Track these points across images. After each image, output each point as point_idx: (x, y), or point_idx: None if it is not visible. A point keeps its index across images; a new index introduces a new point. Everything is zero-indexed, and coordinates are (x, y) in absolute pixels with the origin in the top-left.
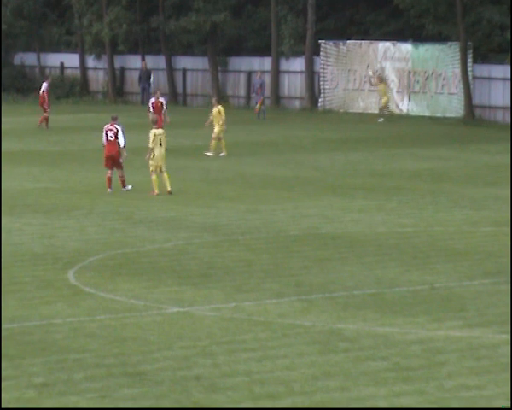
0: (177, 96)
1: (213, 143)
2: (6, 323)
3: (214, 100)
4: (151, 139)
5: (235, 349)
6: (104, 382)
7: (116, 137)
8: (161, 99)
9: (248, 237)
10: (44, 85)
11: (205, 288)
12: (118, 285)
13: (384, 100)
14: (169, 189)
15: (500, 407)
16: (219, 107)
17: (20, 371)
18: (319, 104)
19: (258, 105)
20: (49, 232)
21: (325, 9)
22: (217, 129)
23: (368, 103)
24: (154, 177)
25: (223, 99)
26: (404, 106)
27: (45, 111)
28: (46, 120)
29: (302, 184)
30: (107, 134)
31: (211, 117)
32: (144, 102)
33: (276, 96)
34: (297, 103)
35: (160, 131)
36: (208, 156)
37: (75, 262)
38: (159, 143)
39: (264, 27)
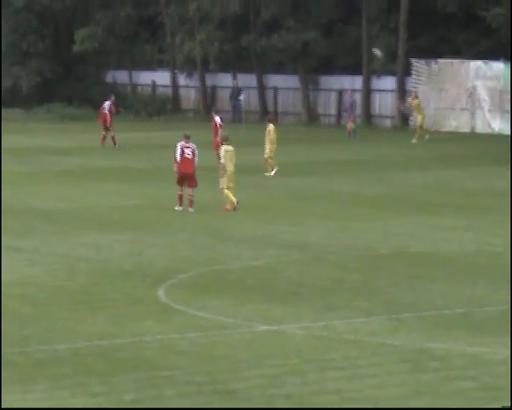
0: (267, 115)
1: (270, 161)
2: (96, 339)
3: (267, 118)
4: (221, 155)
5: (325, 368)
6: (194, 399)
7: (193, 155)
8: (217, 118)
9: (337, 256)
10: (107, 104)
11: (294, 306)
12: (207, 303)
13: (420, 117)
14: (235, 200)
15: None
16: (271, 125)
17: (110, 388)
18: (410, 123)
19: (349, 124)
20: (138, 249)
21: (417, 28)
22: (268, 148)
23: (459, 122)
24: (226, 192)
25: (313, 117)
26: (495, 125)
27: (108, 130)
28: (112, 138)
29: (391, 202)
30: (183, 151)
31: (269, 136)
32: (235, 119)
33: (368, 115)
34: (388, 122)
35: (231, 148)
36: (269, 176)
37: (165, 279)
38: (229, 159)
39: (355, 46)
